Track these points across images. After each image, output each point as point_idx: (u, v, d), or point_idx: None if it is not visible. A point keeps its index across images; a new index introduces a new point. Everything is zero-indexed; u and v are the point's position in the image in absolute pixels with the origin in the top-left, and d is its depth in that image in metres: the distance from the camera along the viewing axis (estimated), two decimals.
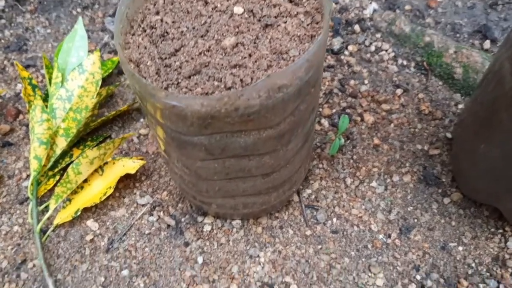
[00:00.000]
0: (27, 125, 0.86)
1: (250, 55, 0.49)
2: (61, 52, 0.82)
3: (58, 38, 0.98)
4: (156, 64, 0.48)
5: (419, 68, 0.91)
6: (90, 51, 0.92)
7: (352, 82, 0.89)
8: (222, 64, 0.48)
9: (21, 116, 0.87)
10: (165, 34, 0.51)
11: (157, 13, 0.54)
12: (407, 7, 1.00)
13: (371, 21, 0.98)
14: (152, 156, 0.81)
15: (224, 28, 0.51)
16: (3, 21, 1.01)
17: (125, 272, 0.70)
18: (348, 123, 0.77)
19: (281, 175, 0.62)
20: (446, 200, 0.75)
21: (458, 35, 0.96)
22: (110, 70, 0.89)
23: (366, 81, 0.89)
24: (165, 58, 0.49)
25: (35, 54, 0.95)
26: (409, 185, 0.77)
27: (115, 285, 0.69)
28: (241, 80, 0.47)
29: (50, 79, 0.82)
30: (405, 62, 0.92)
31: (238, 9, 0.53)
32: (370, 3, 1.00)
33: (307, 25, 0.52)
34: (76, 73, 0.76)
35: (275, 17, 0.52)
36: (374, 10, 0.99)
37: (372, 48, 0.94)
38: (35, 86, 0.81)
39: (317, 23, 0.52)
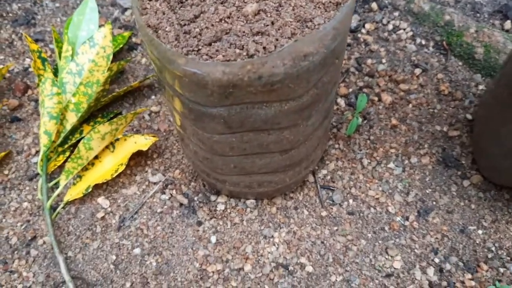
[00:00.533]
0: (36, 101, 0.84)
1: (272, 23, 0.47)
2: (71, 25, 0.79)
3: (67, 13, 0.95)
4: (175, 30, 0.46)
5: (438, 47, 0.88)
6: (101, 26, 0.89)
7: (369, 61, 0.86)
8: (244, 31, 0.46)
9: (29, 91, 0.85)
10: (184, 0, 0.49)
11: None
12: None
13: None
14: (164, 134, 0.79)
15: None
16: None
17: (137, 251, 0.68)
18: (366, 101, 0.75)
19: (299, 152, 0.60)
20: (466, 183, 0.73)
21: (478, 14, 0.93)
22: (121, 46, 0.86)
23: (383, 60, 0.86)
24: (184, 24, 0.46)
25: (44, 29, 0.93)
26: (428, 167, 0.75)
27: (127, 264, 0.68)
28: (264, 47, 0.44)
29: (59, 53, 0.80)
30: (423, 42, 0.89)
31: None
32: None
33: None
34: (87, 46, 0.74)
35: None
36: None
37: (390, 26, 0.91)
38: (45, 60, 0.79)
39: None
